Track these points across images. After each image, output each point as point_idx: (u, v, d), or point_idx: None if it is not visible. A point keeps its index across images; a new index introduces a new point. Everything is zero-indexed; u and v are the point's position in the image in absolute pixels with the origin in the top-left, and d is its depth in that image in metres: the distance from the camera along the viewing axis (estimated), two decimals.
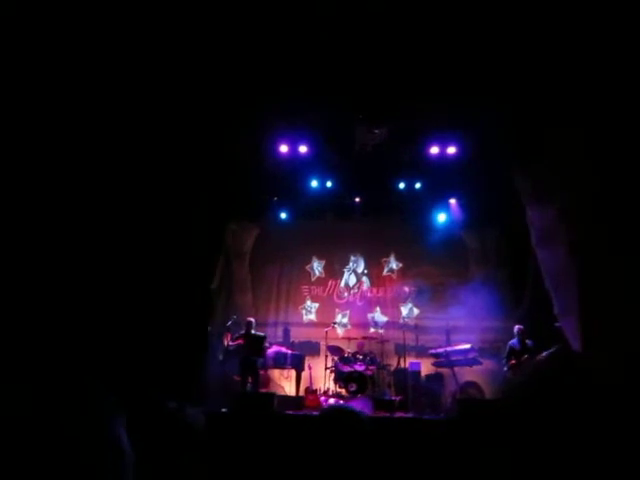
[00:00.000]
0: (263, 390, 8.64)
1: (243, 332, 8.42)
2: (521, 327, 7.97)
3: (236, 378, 8.48)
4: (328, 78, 6.65)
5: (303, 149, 8.60)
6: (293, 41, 5.93)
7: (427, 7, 5.59)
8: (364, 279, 11.61)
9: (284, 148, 8.58)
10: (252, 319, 8.75)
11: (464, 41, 6.01)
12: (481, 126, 8.02)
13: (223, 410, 6.65)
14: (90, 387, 0.77)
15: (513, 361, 7.76)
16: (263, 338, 8.49)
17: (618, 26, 5.32)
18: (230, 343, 8.44)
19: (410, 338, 9.93)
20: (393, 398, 8.17)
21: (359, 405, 7.46)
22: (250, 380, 8.13)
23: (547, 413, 0.63)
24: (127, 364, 5.44)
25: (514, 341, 7.93)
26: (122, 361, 5.45)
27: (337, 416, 1.76)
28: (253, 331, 8.45)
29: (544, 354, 7.39)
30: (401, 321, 10.61)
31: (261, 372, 9.02)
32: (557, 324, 7.48)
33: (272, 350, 9.34)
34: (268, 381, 9.37)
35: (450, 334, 9.99)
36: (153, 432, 1.89)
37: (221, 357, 8.68)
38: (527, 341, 7.81)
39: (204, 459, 1.94)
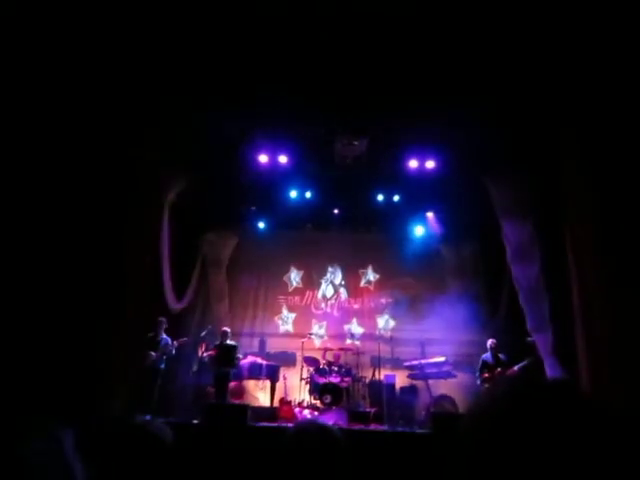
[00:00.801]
0: (238, 401, 8.54)
1: (218, 343, 8.34)
2: (494, 341, 8.06)
3: (210, 389, 8.37)
4: (308, 89, 6.68)
5: (283, 159, 8.61)
6: (273, 51, 5.95)
7: (406, 18, 5.66)
8: (342, 290, 11.63)
9: (264, 158, 8.58)
10: (228, 329, 8.66)
11: (442, 53, 6.09)
12: (459, 141, 8.16)
13: (195, 422, 6.54)
14: (31, 407, 0.76)
15: (486, 375, 7.84)
16: (234, 348, 8.38)
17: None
18: (204, 354, 8.34)
19: (386, 350, 9.95)
20: (368, 410, 8.15)
21: (334, 417, 7.43)
22: (219, 390, 8.04)
23: (516, 427, 0.63)
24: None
25: (487, 355, 8.01)
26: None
27: (310, 433, 1.74)
28: (228, 341, 8.37)
29: (516, 367, 7.49)
30: (377, 333, 10.63)
31: (235, 383, 8.92)
32: (530, 339, 7.59)
33: (247, 361, 9.27)
34: (243, 392, 9.26)
35: (425, 346, 10.05)
36: (118, 445, 1.85)
37: (195, 368, 8.56)
38: (500, 355, 7.90)
39: (171, 470, 1.90)
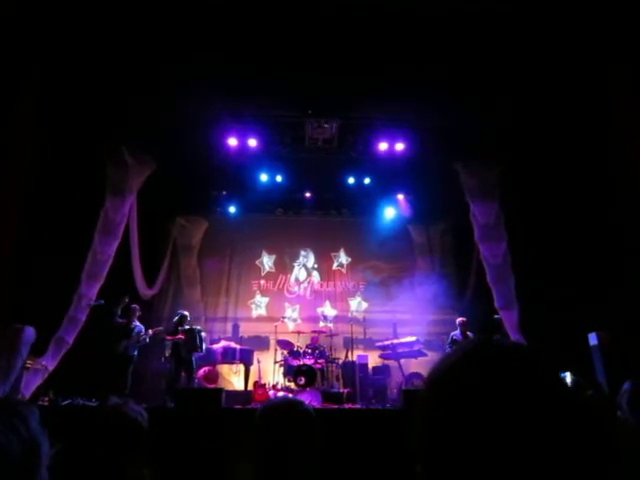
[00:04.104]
0: (212, 386, 8.54)
1: (186, 327, 8.26)
2: (463, 319, 8.25)
3: (183, 374, 8.33)
4: (278, 71, 6.62)
5: (252, 143, 8.53)
6: (242, 33, 5.87)
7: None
8: (314, 273, 11.68)
9: (233, 142, 8.47)
10: (186, 312, 8.58)
11: (412, 35, 6.10)
12: (429, 124, 8.24)
13: (170, 406, 6.54)
14: None
15: None
16: (199, 332, 8.31)
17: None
18: (167, 337, 8.27)
19: (358, 331, 10.08)
20: (341, 390, 8.27)
21: (308, 398, 7.52)
22: (184, 375, 7.99)
23: (461, 387, 0.63)
24: None
25: (456, 333, 8.20)
26: None
27: (279, 407, 1.77)
28: (187, 325, 8.31)
29: None
30: (350, 315, 10.75)
31: (209, 368, 8.91)
32: (497, 316, 7.83)
33: (221, 345, 9.25)
34: (217, 376, 9.27)
35: (397, 327, 10.22)
36: (95, 428, 1.86)
37: (168, 353, 8.50)
38: (468, 333, 8.10)
39: (148, 453, 1.92)
